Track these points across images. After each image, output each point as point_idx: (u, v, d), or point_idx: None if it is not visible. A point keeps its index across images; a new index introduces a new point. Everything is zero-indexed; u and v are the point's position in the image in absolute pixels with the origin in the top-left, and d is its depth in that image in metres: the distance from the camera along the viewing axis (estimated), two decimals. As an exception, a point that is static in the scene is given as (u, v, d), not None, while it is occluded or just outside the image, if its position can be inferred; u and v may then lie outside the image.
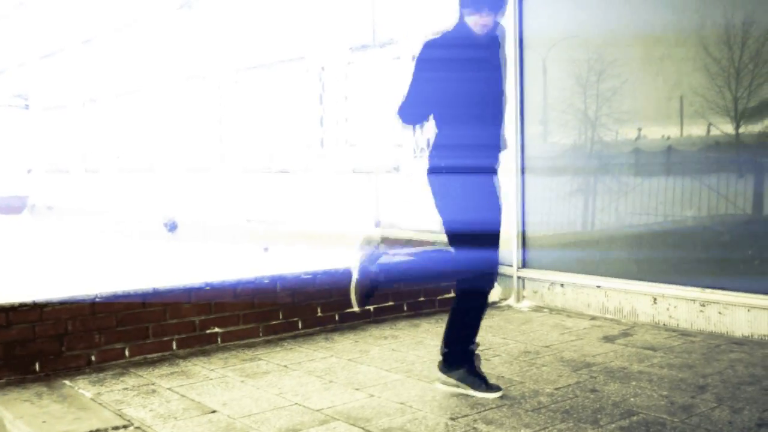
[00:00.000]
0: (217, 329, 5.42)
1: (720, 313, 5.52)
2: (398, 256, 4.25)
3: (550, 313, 6.38)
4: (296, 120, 10.06)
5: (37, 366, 4.72)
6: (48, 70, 17.90)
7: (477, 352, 4.30)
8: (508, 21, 6.66)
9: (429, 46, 4.06)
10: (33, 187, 19.01)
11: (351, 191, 9.11)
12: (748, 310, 5.37)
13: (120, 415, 3.97)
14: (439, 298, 6.50)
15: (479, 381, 4.20)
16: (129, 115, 14.32)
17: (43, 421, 3.89)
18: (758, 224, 5.55)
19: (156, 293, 5.19)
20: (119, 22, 14.39)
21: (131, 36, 14.09)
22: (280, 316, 5.71)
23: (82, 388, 4.46)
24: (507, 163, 6.81)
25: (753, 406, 3.90)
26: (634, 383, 4.34)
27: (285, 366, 4.88)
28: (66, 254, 9.27)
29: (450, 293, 6.58)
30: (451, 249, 4.18)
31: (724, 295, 5.49)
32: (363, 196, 8.88)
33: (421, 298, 6.47)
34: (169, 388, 4.43)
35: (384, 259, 4.09)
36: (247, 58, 10.99)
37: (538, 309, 6.57)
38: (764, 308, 5.29)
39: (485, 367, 4.74)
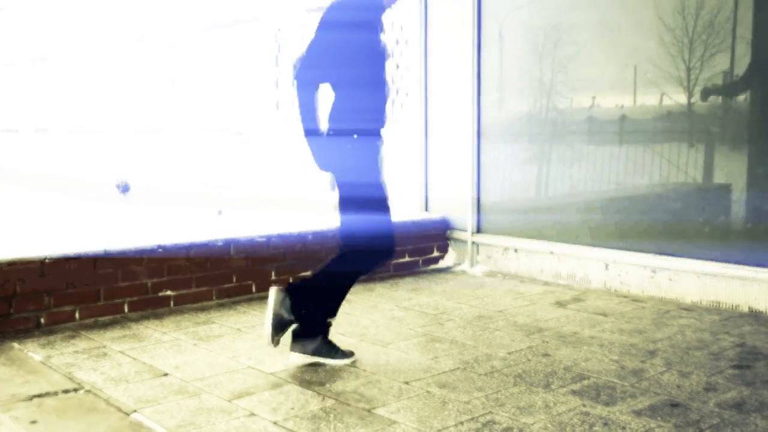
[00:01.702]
0: (169, 292, 5.37)
1: (670, 279, 5.60)
2: None
3: (503, 278, 6.43)
4: (251, 82, 9.94)
5: (-16, 328, 4.64)
6: (-4, 26, 17.46)
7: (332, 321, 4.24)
8: (466, -15, 6.64)
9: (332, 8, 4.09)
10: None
11: (306, 155, 9.04)
12: (698, 277, 5.46)
13: (70, 378, 3.92)
14: (393, 262, 6.51)
15: (333, 350, 4.16)
16: (81, 74, 14.03)
17: (-9, 384, 3.83)
18: (708, 192, 5.63)
19: (107, 255, 5.11)
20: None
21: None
22: (234, 280, 5.68)
23: (32, 350, 4.39)
24: (463, 128, 6.82)
25: (701, 371, 3.98)
26: (585, 348, 4.40)
27: (238, 329, 4.86)
28: (14, 215, 9.10)
29: (404, 257, 6.61)
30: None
31: (675, 262, 5.57)
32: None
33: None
34: (120, 351, 4.38)
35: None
36: (202, 18, 10.81)
37: (491, 274, 6.61)
38: (713, 275, 5.38)
39: (439, 332, 4.77)
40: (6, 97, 17.12)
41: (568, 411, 3.43)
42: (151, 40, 11.95)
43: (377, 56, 4.11)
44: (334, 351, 4.15)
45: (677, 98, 5.65)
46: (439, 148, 7.12)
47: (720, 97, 5.50)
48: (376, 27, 4.13)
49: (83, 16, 13.82)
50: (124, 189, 11.72)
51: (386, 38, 4.25)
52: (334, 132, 4.07)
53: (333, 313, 4.18)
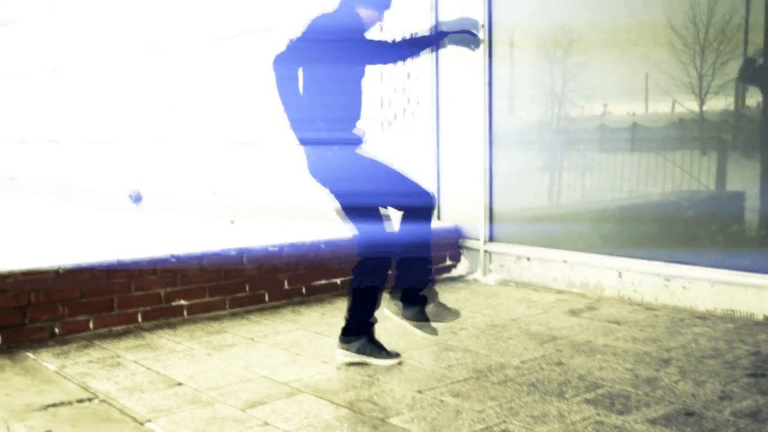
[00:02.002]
0: (182, 301, 5.39)
1: (684, 287, 5.58)
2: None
3: (516, 287, 6.42)
4: (263, 92, 9.97)
5: (-1, 338, 4.67)
6: (8, 38, 17.56)
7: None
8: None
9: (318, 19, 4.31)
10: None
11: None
12: (712, 285, 5.43)
13: (84, 388, 3.93)
14: (406, 271, 6.49)
15: (378, 349, 4.27)
16: (93, 84, 14.10)
17: (6, 394, 3.84)
18: (721, 200, 5.61)
19: (121, 264, 5.13)
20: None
21: (95, 3, 13.84)
22: (247, 289, 5.68)
23: (46, 360, 4.41)
24: (475, 137, 6.81)
25: (715, 379, 3.96)
26: (599, 356, 4.38)
27: (251, 339, 4.86)
28: (29, 225, 9.14)
29: (417, 267, 6.58)
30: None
31: (688, 270, 5.54)
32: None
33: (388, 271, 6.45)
34: (134, 361, 4.39)
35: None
36: (214, 28, 10.85)
37: (504, 283, 6.60)
38: (727, 283, 5.35)
39: (452, 340, 4.76)
40: (20, 107, 17.22)
41: (582, 420, 3.42)
42: (162, 50, 12.00)
43: (353, 69, 4.31)
44: (378, 350, 4.26)
45: (689, 106, 5.63)
46: (451, 157, 7.11)
47: (732, 105, 5.48)
48: (356, 46, 4.28)
49: (95, 26, 13.90)
50: (137, 198, 11.75)
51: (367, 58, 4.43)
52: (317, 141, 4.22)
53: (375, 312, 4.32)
